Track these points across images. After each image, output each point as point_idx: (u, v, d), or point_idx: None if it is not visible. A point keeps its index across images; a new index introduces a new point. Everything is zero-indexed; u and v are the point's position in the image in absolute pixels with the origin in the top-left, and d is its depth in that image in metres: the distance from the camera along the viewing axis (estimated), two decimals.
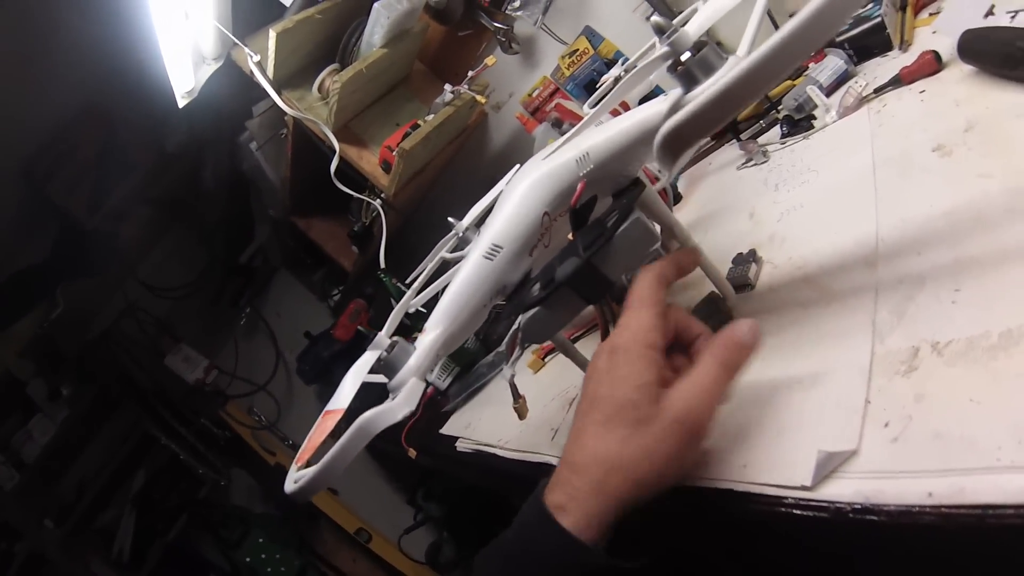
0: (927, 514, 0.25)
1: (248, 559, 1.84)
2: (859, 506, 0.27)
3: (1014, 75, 0.46)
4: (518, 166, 0.56)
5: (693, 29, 0.37)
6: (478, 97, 1.16)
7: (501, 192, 0.52)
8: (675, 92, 0.36)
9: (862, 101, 0.66)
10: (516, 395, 0.53)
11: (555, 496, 0.36)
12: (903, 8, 0.72)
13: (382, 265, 1.22)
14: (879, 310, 0.36)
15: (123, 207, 1.78)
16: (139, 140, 1.66)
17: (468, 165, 1.66)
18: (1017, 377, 0.26)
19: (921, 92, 0.58)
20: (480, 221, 0.65)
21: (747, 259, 0.53)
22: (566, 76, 1.23)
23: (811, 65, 0.80)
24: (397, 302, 1.00)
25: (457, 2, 1.21)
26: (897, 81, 0.63)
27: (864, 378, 0.33)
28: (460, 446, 0.84)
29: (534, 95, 1.31)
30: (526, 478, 0.59)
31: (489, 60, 1.20)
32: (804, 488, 0.29)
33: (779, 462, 0.32)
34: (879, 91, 0.65)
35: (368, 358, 0.44)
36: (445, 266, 0.64)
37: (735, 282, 0.51)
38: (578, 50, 1.19)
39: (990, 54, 0.49)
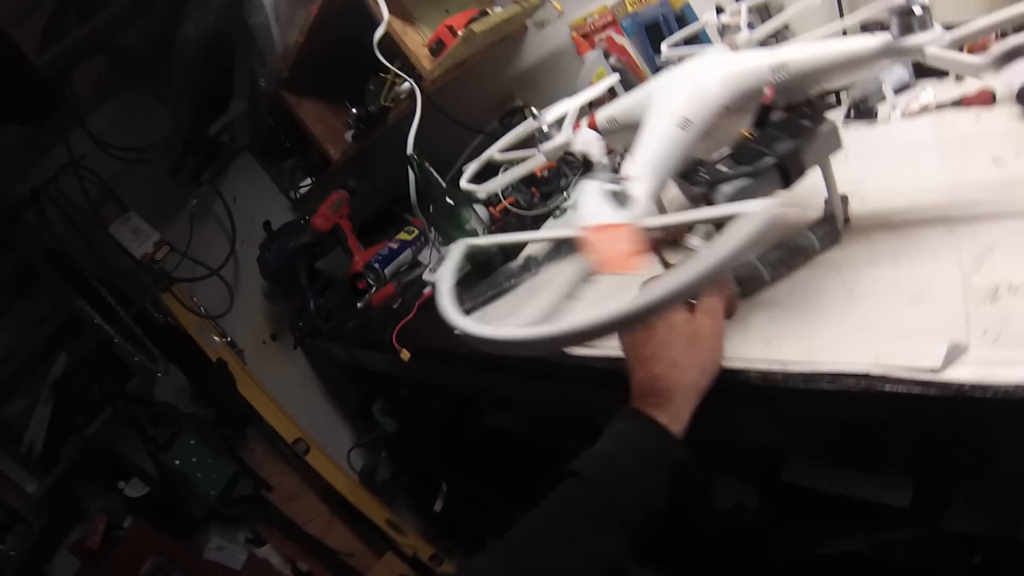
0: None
1: (177, 462, 1.79)
2: (974, 384, 0.38)
3: None
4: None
5: None
6: (556, 4, 1.17)
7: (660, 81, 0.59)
8: (885, 36, 0.47)
9: (925, 109, 0.82)
10: None
11: (645, 406, 0.52)
12: (960, 49, 0.87)
13: (410, 150, 1.22)
14: (963, 258, 0.49)
15: (81, 49, 1.64)
16: None
17: (489, 75, 1.68)
18: None
19: (977, 118, 0.73)
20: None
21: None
22: (627, 12, 1.29)
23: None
24: (437, 185, 1.04)
25: None
26: (957, 103, 0.79)
27: (960, 300, 0.45)
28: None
29: (588, 21, 1.36)
30: (589, 370, 0.68)
31: None
32: (933, 371, 0.40)
33: (905, 352, 0.43)
34: (940, 107, 0.80)
35: (601, 186, 0.50)
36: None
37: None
38: None
39: None
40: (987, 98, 0.76)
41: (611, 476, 0.50)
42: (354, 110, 1.55)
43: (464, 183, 0.71)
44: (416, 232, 1.62)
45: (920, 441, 0.48)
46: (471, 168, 0.74)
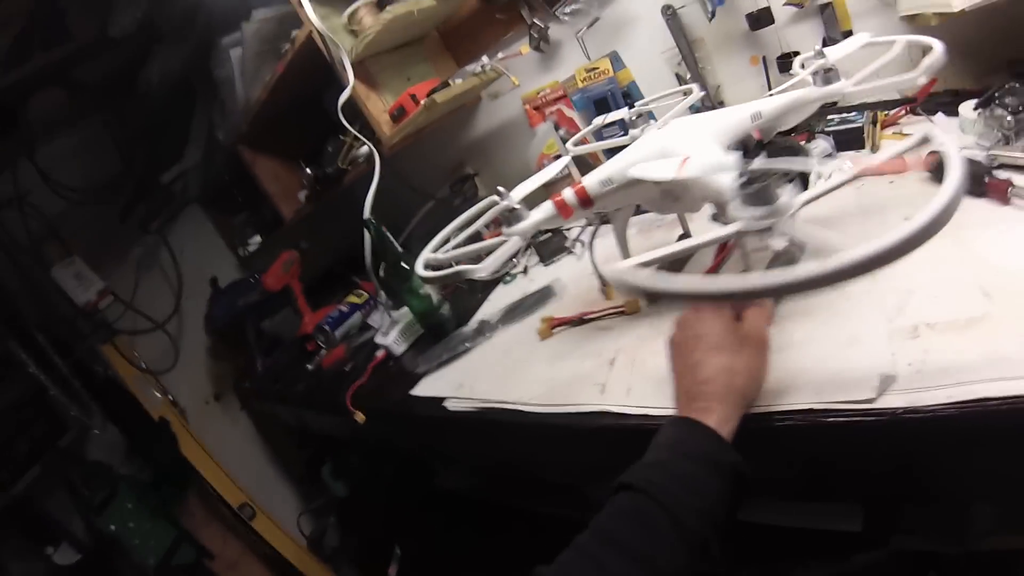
0: (948, 408, 0.45)
1: (112, 527, 1.69)
2: (905, 408, 0.46)
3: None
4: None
5: None
6: (512, 78, 1.24)
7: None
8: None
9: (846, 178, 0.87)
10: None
11: (692, 412, 0.52)
12: (875, 123, 0.99)
13: (367, 214, 1.25)
14: (886, 304, 0.58)
15: (41, 77, 1.63)
16: (83, 7, 1.54)
17: (442, 142, 1.77)
18: (978, 338, 0.49)
19: (891, 181, 0.83)
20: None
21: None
22: (578, 87, 1.39)
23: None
24: (392, 250, 1.06)
25: None
26: (873, 171, 0.84)
27: (886, 340, 0.54)
28: (454, 406, 0.91)
29: (540, 95, 1.46)
30: (562, 428, 0.71)
31: (523, 48, 1.33)
32: (868, 401, 0.48)
33: (842, 388, 0.50)
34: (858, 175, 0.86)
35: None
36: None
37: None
38: (598, 68, 1.35)
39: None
40: (900, 165, 0.80)
41: (666, 483, 0.49)
42: (309, 170, 1.58)
43: (420, 269, 0.72)
44: (366, 296, 1.63)
45: (865, 469, 0.54)
46: (426, 253, 0.75)
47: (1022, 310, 0.50)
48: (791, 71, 0.77)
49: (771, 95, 0.71)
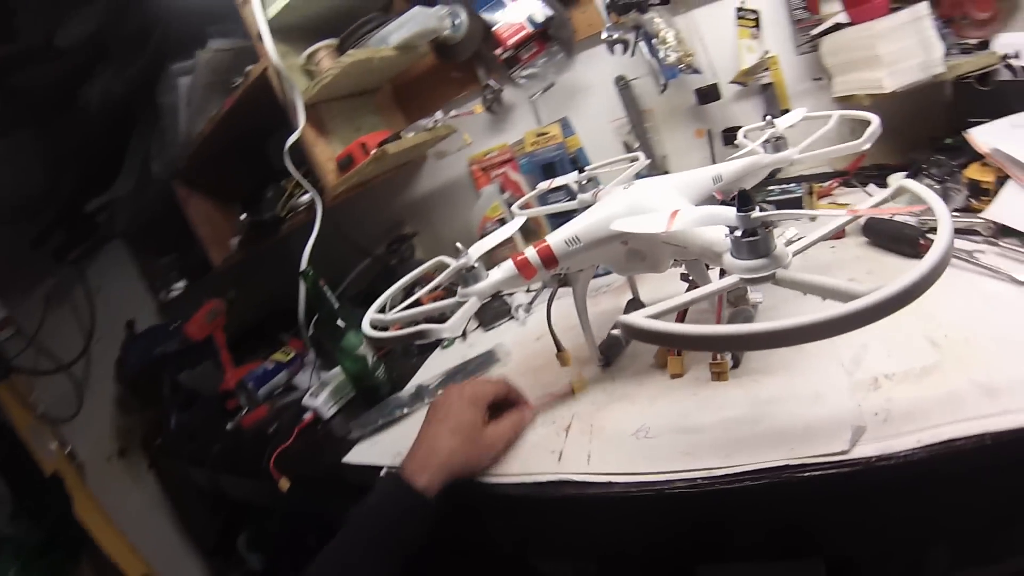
0: (918, 451, 0.49)
1: None
2: (878, 456, 0.50)
3: (898, 249, 0.82)
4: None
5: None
6: (465, 136, 1.27)
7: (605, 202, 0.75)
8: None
9: (789, 243, 0.92)
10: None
11: (409, 472, 0.69)
12: (811, 193, 1.10)
13: (303, 265, 1.23)
14: (843, 359, 0.63)
15: None
16: (35, 9, 1.49)
17: (383, 199, 1.80)
18: (934, 385, 0.55)
19: (832, 247, 0.91)
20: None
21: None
22: (526, 151, 1.44)
23: None
24: (328, 305, 1.04)
25: (470, 45, 1.36)
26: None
27: (850, 393, 0.58)
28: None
29: (488, 156, 1.51)
30: (517, 499, 0.72)
31: (477, 108, 1.38)
32: (843, 452, 0.51)
33: (815, 443, 0.54)
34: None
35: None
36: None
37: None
38: (548, 133, 1.42)
39: (883, 233, 0.85)
40: (839, 233, 0.87)
41: (368, 519, 0.69)
42: (244, 216, 1.56)
43: (367, 328, 0.70)
44: (293, 354, 1.60)
45: (835, 521, 0.58)
46: (371, 313, 0.73)
47: (968, 356, 0.57)
48: (736, 142, 0.86)
49: (730, 159, 0.79)
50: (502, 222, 1.42)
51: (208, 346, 1.67)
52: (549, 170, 1.39)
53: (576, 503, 0.66)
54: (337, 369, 1.30)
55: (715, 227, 0.56)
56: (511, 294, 1.30)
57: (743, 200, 0.50)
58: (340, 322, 1.14)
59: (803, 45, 1.20)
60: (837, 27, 1.08)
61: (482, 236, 1.41)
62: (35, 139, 1.87)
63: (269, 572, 1.69)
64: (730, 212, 0.51)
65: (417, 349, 1.34)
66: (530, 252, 0.71)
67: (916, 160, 0.97)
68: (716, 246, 0.56)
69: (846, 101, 1.12)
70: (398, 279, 0.80)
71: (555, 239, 0.70)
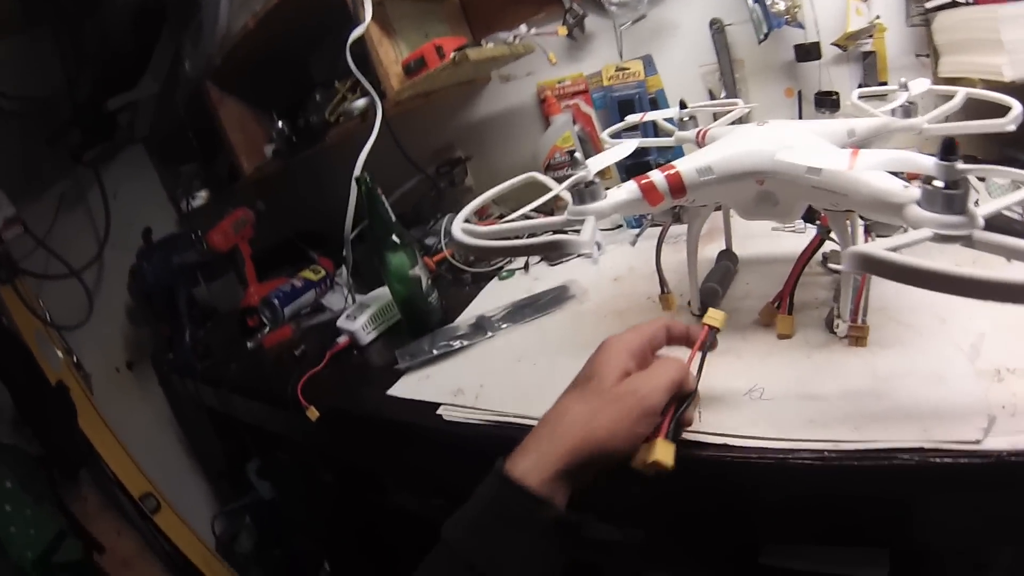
0: None
1: None
2: (1011, 451, 0.45)
3: None
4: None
5: None
6: (550, 54, 1.16)
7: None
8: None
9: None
10: None
11: (519, 450, 0.52)
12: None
13: (358, 172, 1.11)
14: (962, 345, 0.58)
15: None
16: None
17: (439, 118, 1.67)
18: None
19: None
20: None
21: None
22: (603, 85, 1.33)
23: None
24: (383, 216, 0.95)
25: None
26: None
27: (976, 381, 0.53)
28: (452, 415, 0.79)
29: (560, 84, 1.40)
30: None
31: (561, 29, 1.27)
32: (976, 442, 0.47)
33: (947, 428, 0.49)
34: None
35: None
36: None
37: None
38: (629, 69, 1.30)
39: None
40: None
41: (475, 544, 0.48)
42: (281, 123, 1.45)
43: (460, 234, 0.61)
44: (323, 273, 1.49)
45: (928, 514, 0.53)
46: (460, 220, 0.64)
47: None
48: (851, 101, 0.75)
49: (865, 117, 0.70)
50: (571, 155, 1.31)
51: (230, 259, 1.57)
52: (626, 107, 1.27)
53: (681, 463, 0.55)
54: (378, 291, 1.20)
55: (887, 177, 0.50)
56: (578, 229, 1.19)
57: (948, 149, 0.42)
58: (395, 238, 1.03)
59: (915, 16, 1.09)
60: (955, 3, 0.99)
61: (547, 168, 1.34)
62: (55, 34, 1.74)
63: (277, 501, 1.62)
64: (926, 160, 0.45)
65: (470, 277, 1.24)
66: (657, 176, 0.62)
67: (1014, 157, 0.90)
68: (894, 196, 0.48)
69: (951, 83, 1.03)
70: (447, 204, 0.71)
71: (685, 166, 0.62)
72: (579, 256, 1.14)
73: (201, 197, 2.01)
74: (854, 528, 0.57)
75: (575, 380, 0.57)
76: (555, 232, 0.59)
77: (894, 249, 0.43)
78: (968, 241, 0.44)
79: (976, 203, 0.44)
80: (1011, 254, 0.43)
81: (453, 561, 0.48)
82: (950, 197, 0.44)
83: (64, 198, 1.79)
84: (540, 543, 0.48)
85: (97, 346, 1.82)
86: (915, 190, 0.47)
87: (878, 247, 0.42)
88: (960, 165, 0.42)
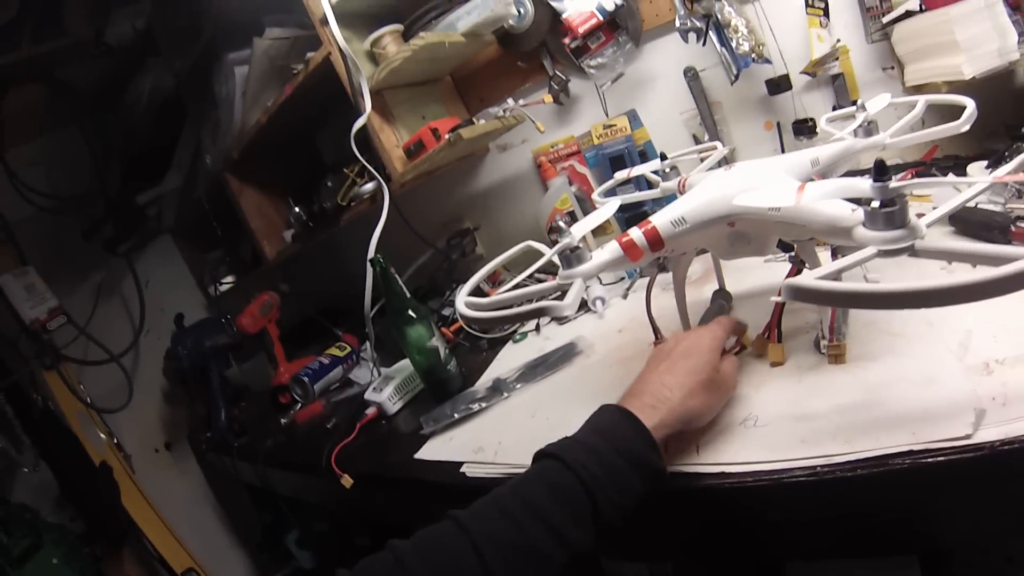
0: None
1: None
2: (1002, 440, 0.47)
3: (988, 237, 0.77)
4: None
5: None
6: (538, 124, 1.24)
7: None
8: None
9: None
10: None
11: (637, 406, 0.58)
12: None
13: (371, 254, 1.19)
14: (950, 345, 0.60)
15: (25, 69, 1.56)
16: (83, 4, 1.50)
17: (444, 192, 1.75)
18: None
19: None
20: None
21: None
22: (594, 143, 1.40)
23: None
24: (398, 293, 1.09)
25: (537, 33, 1.32)
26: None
27: (965, 377, 0.55)
28: (475, 472, 0.83)
29: (554, 148, 1.48)
30: None
31: (546, 97, 1.35)
32: (966, 437, 0.48)
33: (937, 427, 0.51)
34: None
35: None
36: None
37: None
38: (615, 125, 1.37)
39: (971, 222, 0.79)
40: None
41: (596, 471, 0.53)
42: (297, 208, 1.53)
43: (463, 307, 0.67)
44: (348, 349, 1.56)
45: (938, 514, 0.54)
46: (464, 295, 0.70)
47: None
48: (819, 128, 0.84)
49: (829, 143, 0.76)
50: (571, 215, 1.38)
51: (260, 340, 1.64)
52: (617, 163, 1.34)
53: (685, 496, 0.61)
54: (401, 363, 1.26)
55: (838, 203, 0.54)
56: (587, 287, 1.25)
57: (880, 170, 0.47)
58: (411, 312, 1.10)
59: (874, 33, 1.16)
60: (908, 14, 1.05)
61: (550, 231, 1.40)
62: (84, 133, 1.87)
63: (317, 571, 1.65)
64: (863, 184, 0.49)
65: (486, 344, 1.29)
66: (636, 233, 0.67)
67: (994, 149, 0.93)
68: (843, 221, 0.53)
69: (919, 90, 1.07)
70: (460, 274, 0.77)
71: (661, 220, 0.67)
72: (588, 312, 1.19)
73: (227, 282, 2.10)
74: (873, 537, 0.59)
75: (672, 355, 0.65)
76: (543, 298, 0.65)
77: (839, 272, 0.48)
78: (912, 251, 0.47)
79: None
80: (952, 257, 0.47)
81: (572, 481, 0.52)
82: (889, 215, 0.47)
83: (101, 288, 1.90)
84: (644, 487, 0.55)
85: (136, 428, 1.89)
86: (860, 213, 0.51)
87: (808, 277, 0.47)
88: (892, 184, 0.46)
